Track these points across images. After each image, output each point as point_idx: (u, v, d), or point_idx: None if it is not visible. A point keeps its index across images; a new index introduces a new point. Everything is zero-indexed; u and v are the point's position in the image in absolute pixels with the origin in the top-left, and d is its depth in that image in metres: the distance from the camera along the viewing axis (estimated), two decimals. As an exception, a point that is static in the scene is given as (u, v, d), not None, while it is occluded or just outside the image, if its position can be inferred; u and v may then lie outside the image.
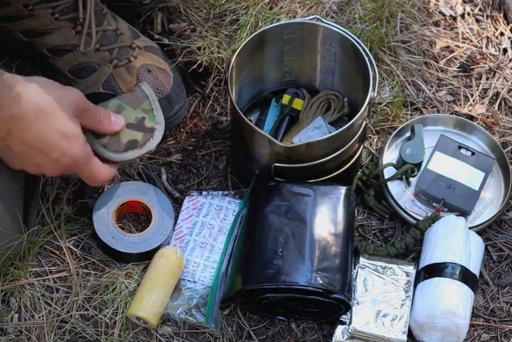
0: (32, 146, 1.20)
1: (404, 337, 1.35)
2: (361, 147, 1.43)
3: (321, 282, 1.28)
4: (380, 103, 1.54)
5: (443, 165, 1.46)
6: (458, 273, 1.35)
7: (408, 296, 1.37)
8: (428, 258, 1.37)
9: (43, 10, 1.43)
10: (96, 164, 1.27)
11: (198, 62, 1.52)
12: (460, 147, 1.48)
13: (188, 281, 1.39)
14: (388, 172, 1.46)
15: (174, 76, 1.48)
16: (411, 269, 1.39)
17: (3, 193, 1.28)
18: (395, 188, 1.46)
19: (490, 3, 1.68)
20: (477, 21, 1.67)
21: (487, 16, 1.67)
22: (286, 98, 1.49)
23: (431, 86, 1.58)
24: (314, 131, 1.43)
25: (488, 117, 1.56)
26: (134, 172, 1.46)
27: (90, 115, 1.26)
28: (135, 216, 1.45)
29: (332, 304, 1.30)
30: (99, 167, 1.28)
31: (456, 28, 1.66)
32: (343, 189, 1.38)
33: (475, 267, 1.38)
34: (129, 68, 1.45)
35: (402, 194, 1.47)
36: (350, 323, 1.35)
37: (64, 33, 1.45)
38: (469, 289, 1.35)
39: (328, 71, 1.47)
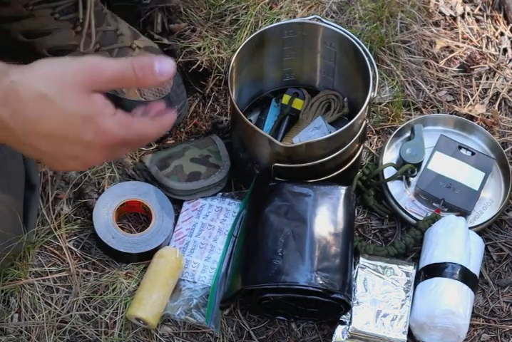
0: (56, 138, 0.99)
1: (404, 337, 1.35)
2: (361, 147, 1.43)
3: (321, 282, 1.28)
4: (380, 103, 1.54)
5: (443, 165, 1.46)
6: (458, 273, 1.35)
7: (408, 296, 1.37)
8: (428, 258, 1.37)
9: (43, 10, 1.43)
10: (139, 125, 1.02)
11: (198, 62, 1.52)
12: (460, 147, 1.48)
13: (188, 281, 1.39)
14: (388, 172, 1.46)
15: (174, 76, 1.48)
16: (411, 269, 1.39)
17: (3, 193, 1.28)
18: (395, 188, 1.46)
19: (490, 3, 1.68)
20: (477, 21, 1.67)
21: (487, 16, 1.67)
22: (286, 98, 1.49)
23: (431, 86, 1.58)
24: (314, 131, 1.43)
25: (488, 117, 1.56)
26: (134, 172, 1.46)
27: (118, 83, 1.00)
28: (135, 216, 1.45)
29: (332, 304, 1.30)
30: (145, 126, 1.02)
31: (456, 28, 1.66)
32: (343, 189, 1.38)
33: (475, 267, 1.38)
34: None
35: (402, 194, 1.46)
36: (350, 323, 1.35)
37: (64, 34, 1.45)
38: (469, 289, 1.35)
39: (328, 71, 1.47)
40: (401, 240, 1.41)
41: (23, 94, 0.94)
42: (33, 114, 0.95)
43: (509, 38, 1.65)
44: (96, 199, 1.42)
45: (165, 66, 0.97)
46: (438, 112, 1.56)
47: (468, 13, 1.67)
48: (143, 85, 0.99)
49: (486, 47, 1.64)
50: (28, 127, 0.96)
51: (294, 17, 1.57)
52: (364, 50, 1.35)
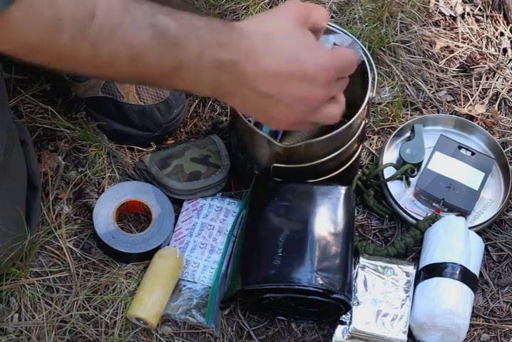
0: (283, 76, 1.05)
1: (404, 337, 1.34)
2: (361, 147, 1.43)
3: (321, 282, 1.27)
4: (380, 103, 1.54)
5: (443, 165, 1.46)
6: (458, 273, 1.35)
7: (408, 296, 1.37)
8: (428, 258, 1.37)
9: None
10: (345, 54, 1.12)
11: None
12: (460, 147, 1.48)
13: (188, 281, 1.39)
14: (388, 172, 1.46)
15: None
16: (411, 269, 1.39)
17: (5, 194, 1.28)
18: (395, 188, 1.46)
19: (490, 3, 1.68)
20: (477, 21, 1.67)
21: (487, 16, 1.67)
22: (286, 98, 1.48)
23: (431, 86, 1.58)
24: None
25: (488, 117, 1.56)
26: (134, 172, 1.46)
27: (316, 13, 1.12)
28: (135, 216, 1.45)
29: (332, 304, 1.30)
30: (349, 56, 1.12)
31: (456, 28, 1.66)
32: (343, 189, 1.38)
33: (475, 267, 1.37)
34: None
35: (402, 194, 1.46)
36: (350, 323, 1.35)
37: None
38: (469, 289, 1.35)
39: (327, 71, 1.47)
40: (401, 240, 1.41)
41: (253, 36, 1.03)
42: (263, 52, 1.04)
43: (509, 38, 1.65)
44: (96, 199, 1.42)
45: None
46: (438, 112, 1.56)
47: (468, 13, 1.67)
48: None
49: (486, 47, 1.64)
50: (260, 66, 1.04)
51: (295, 17, 1.57)
52: (362, 50, 1.35)
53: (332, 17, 1.59)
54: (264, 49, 1.04)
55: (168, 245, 1.41)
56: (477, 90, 1.59)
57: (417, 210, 1.45)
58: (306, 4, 1.11)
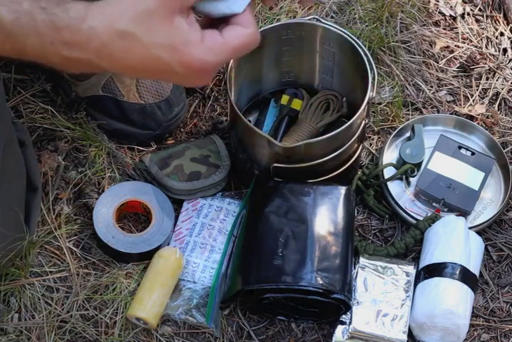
0: (149, 71, 0.96)
1: (404, 337, 1.34)
2: (361, 147, 1.43)
3: (321, 282, 1.28)
4: (380, 103, 1.54)
5: (443, 165, 1.46)
6: (458, 273, 1.35)
7: (408, 296, 1.37)
8: (428, 258, 1.37)
9: None
10: (232, 44, 0.95)
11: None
12: (460, 147, 1.48)
13: (188, 281, 1.39)
14: (388, 172, 1.46)
15: None
16: (411, 269, 1.39)
17: (4, 194, 1.28)
18: (395, 188, 1.47)
19: (490, 3, 1.68)
20: (477, 21, 1.67)
21: (487, 16, 1.67)
22: (285, 99, 1.49)
23: (431, 86, 1.58)
24: None
25: (488, 117, 1.56)
26: (134, 172, 1.46)
27: None
28: (135, 216, 1.45)
29: (332, 304, 1.30)
30: (238, 41, 0.95)
31: (456, 28, 1.66)
32: (343, 189, 1.38)
33: (475, 267, 1.37)
34: None
35: (402, 194, 1.47)
36: (350, 323, 1.35)
37: None
38: (469, 289, 1.35)
39: (327, 71, 1.47)
40: (401, 240, 1.41)
41: (104, 38, 0.91)
42: (119, 54, 0.92)
43: (509, 38, 1.65)
44: (96, 199, 1.42)
45: None
46: (438, 112, 1.56)
47: (468, 13, 1.67)
48: None
49: (486, 47, 1.64)
50: (118, 65, 0.94)
51: (294, 17, 1.57)
52: (362, 50, 1.35)
53: (332, 17, 1.59)
54: (119, 49, 0.92)
55: (168, 245, 1.41)
56: (477, 90, 1.59)
57: (417, 210, 1.45)
58: None
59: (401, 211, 1.45)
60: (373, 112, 1.54)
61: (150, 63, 0.93)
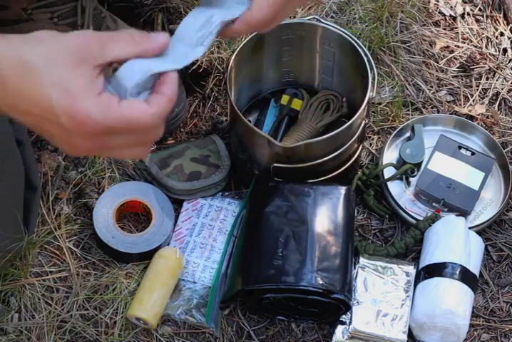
0: (34, 116, 0.88)
1: (404, 337, 1.34)
2: (361, 146, 1.43)
3: (321, 282, 1.28)
4: (380, 103, 1.54)
5: (443, 165, 1.46)
6: (458, 273, 1.35)
7: (408, 296, 1.37)
8: (428, 258, 1.37)
9: (41, 14, 1.43)
10: (124, 112, 0.88)
11: (198, 62, 1.52)
12: (460, 147, 1.48)
13: (188, 281, 1.39)
14: (388, 172, 1.46)
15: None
16: (411, 269, 1.39)
17: (2, 194, 1.28)
18: (395, 188, 1.47)
19: (490, 3, 1.68)
20: (477, 21, 1.67)
21: (487, 16, 1.67)
22: (285, 99, 1.49)
23: (431, 86, 1.58)
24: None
25: (488, 117, 1.56)
26: (134, 172, 1.46)
27: (116, 44, 0.89)
28: (135, 216, 1.45)
29: (332, 304, 1.30)
30: (131, 113, 0.88)
31: (456, 28, 1.66)
32: (343, 189, 1.38)
33: (475, 267, 1.37)
34: None
35: (402, 194, 1.47)
36: (350, 323, 1.35)
37: None
38: (469, 289, 1.35)
39: (327, 71, 1.47)
40: (401, 240, 1.41)
41: (4, 63, 0.85)
42: (12, 83, 0.86)
43: (509, 38, 1.65)
44: (96, 199, 1.42)
45: (160, 36, 0.91)
46: (438, 112, 1.56)
47: (468, 13, 1.67)
48: (136, 49, 0.89)
49: (486, 47, 1.64)
50: (8, 102, 0.87)
51: (294, 17, 1.57)
52: (362, 50, 1.35)
53: (332, 17, 1.59)
54: (14, 78, 0.86)
55: (168, 245, 1.41)
56: (477, 90, 1.59)
57: (417, 210, 1.45)
58: (103, 37, 0.88)
59: (401, 211, 1.45)
60: (373, 112, 1.54)
61: (38, 103, 0.86)
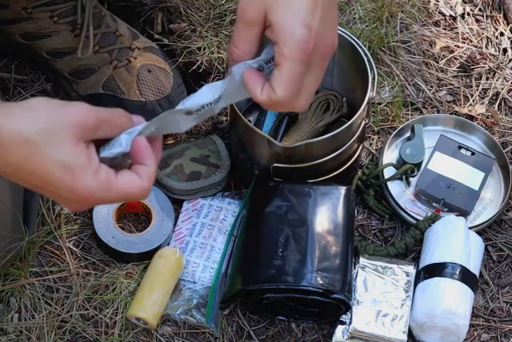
0: (35, 185, 0.94)
1: (404, 337, 1.35)
2: (361, 146, 1.43)
3: (321, 282, 1.28)
4: (380, 103, 1.54)
5: (443, 165, 1.46)
6: (458, 273, 1.35)
7: (408, 296, 1.37)
8: (428, 258, 1.37)
9: (41, 13, 1.43)
10: (121, 188, 0.95)
11: (198, 62, 1.52)
12: (460, 147, 1.48)
13: (188, 281, 1.39)
14: (388, 172, 1.46)
15: (174, 76, 1.48)
16: (411, 269, 1.39)
17: (3, 194, 1.28)
18: (395, 188, 1.47)
19: (490, 3, 1.68)
20: (477, 21, 1.67)
21: (487, 16, 1.67)
22: (285, 98, 1.48)
23: (431, 86, 1.58)
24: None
25: (488, 117, 1.56)
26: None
27: (108, 126, 0.95)
28: (135, 216, 1.45)
29: (332, 304, 1.30)
30: (128, 188, 0.95)
31: (456, 28, 1.66)
32: (343, 189, 1.38)
33: (475, 267, 1.38)
34: (129, 69, 1.45)
35: (402, 194, 1.47)
36: (350, 323, 1.35)
37: (63, 37, 1.44)
38: (469, 289, 1.35)
39: (327, 71, 1.45)
40: (401, 240, 1.41)
41: (6, 139, 0.89)
42: (14, 159, 0.90)
43: (509, 38, 1.65)
44: (96, 199, 1.42)
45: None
46: (438, 112, 1.56)
47: (468, 13, 1.67)
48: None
49: (486, 47, 1.64)
50: (8, 170, 0.92)
51: (294, 17, 1.57)
52: (362, 50, 1.35)
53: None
54: (16, 154, 0.89)
55: (168, 245, 1.41)
56: (477, 90, 1.59)
57: (417, 210, 1.45)
58: (99, 116, 0.94)
59: (401, 211, 1.45)
60: (373, 112, 1.53)
61: (40, 177, 0.91)
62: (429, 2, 1.67)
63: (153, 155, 0.96)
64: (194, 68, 1.53)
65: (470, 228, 1.41)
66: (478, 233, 1.42)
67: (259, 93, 0.98)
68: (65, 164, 0.90)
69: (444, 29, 1.65)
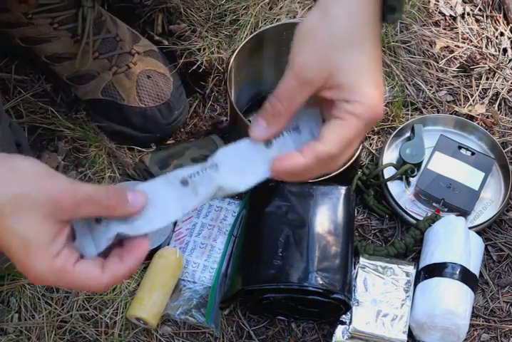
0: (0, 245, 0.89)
1: (404, 337, 1.34)
2: (361, 146, 1.43)
3: (321, 282, 1.27)
4: (380, 103, 1.54)
5: (443, 165, 1.46)
6: (458, 273, 1.35)
7: (408, 296, 1.37)
8: (429, 258, 1.37)
9: (42, 19, 1.42)
10: (76, 278, 0.88)
11: (198, 63, 1.52)
12: (460, 147, 1.48)
13: (188, 281, 1.39)
14: (388, 172, 1.46)
15: (174, 81, 1.48)
16: (411, 269, 1.39)
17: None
18: (395, 188, 1.46)
19: (490, 3, 1.68)
20: (477, 21, 1.67)
21: (487, 16, 1.67)
22: (285, 99, 1.48)
23: (431, 86, 1.58)
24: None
25: (487, 117, 1.56)
26: (134, 172, 1.46)
27: (90, 206, 0.87)
28: (135, 217, 1.45)
29: (332, 304, 1.30)
30: (84, 279, 0.88)
31: (456, 28, 1.66)
32: (343, 189, 1.38)
33: (475, 267, 1.37)
34: (128, 75, 1.45)
35: (402, 194, 1.46)
36: (350, 323, 1.35)
37: (63, 42, 1.44)
38: (469, 289, 1.35)
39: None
40: (401, 240, 1.41)
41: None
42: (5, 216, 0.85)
43: (509, 38, 1.65)
44: (96, 199, 1.42)
45: (138, 199, 0.91)
46: (438, 112, 1.56)
47: (468, 13, 1.67)
48: (111, 212, 0.89)
49: (486, 47, 1.64)
50: None
51: (295, 17, 1.57)
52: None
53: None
54: (6, 213, 0.85)
55: (168, 245, 1.41)
56: (477, 90, 1.59)
57: (417, 210, 1.45)
58: (78, 197, 0.86)
59: (401, 211, 1.45)
60: (373, 112, 1.53)
61: (1, 242, 0.86)
62: (429, 2, 1.67)
63: (139, 256, 0.91)
64: (194, 68, 1.53)
65: (470, 228, 1.41)
66: (478, 233, 1.42)
67: (303, 157, 0.91)
68: (24, 239, 0.85)
69: (444, 29, 1.65)
